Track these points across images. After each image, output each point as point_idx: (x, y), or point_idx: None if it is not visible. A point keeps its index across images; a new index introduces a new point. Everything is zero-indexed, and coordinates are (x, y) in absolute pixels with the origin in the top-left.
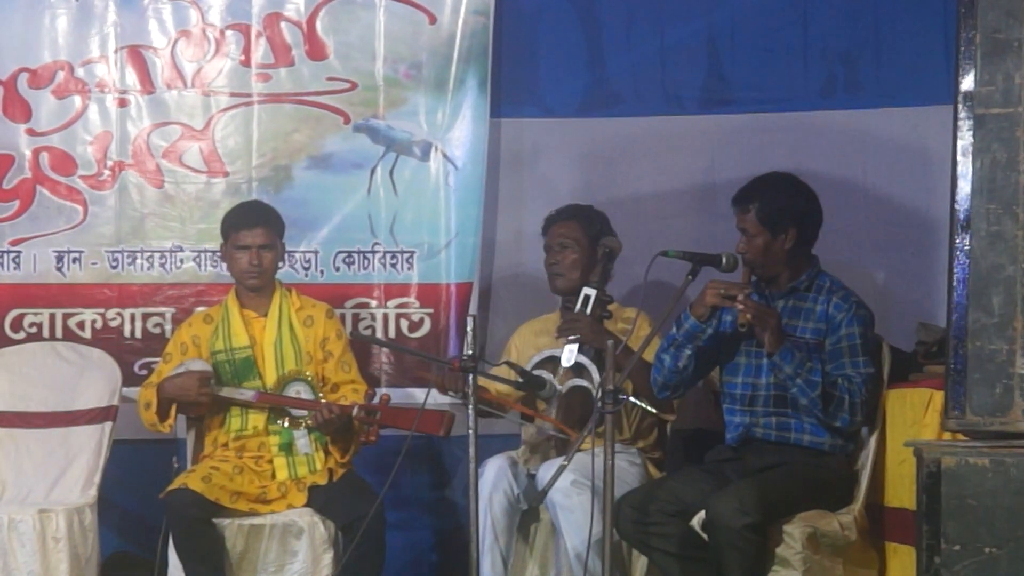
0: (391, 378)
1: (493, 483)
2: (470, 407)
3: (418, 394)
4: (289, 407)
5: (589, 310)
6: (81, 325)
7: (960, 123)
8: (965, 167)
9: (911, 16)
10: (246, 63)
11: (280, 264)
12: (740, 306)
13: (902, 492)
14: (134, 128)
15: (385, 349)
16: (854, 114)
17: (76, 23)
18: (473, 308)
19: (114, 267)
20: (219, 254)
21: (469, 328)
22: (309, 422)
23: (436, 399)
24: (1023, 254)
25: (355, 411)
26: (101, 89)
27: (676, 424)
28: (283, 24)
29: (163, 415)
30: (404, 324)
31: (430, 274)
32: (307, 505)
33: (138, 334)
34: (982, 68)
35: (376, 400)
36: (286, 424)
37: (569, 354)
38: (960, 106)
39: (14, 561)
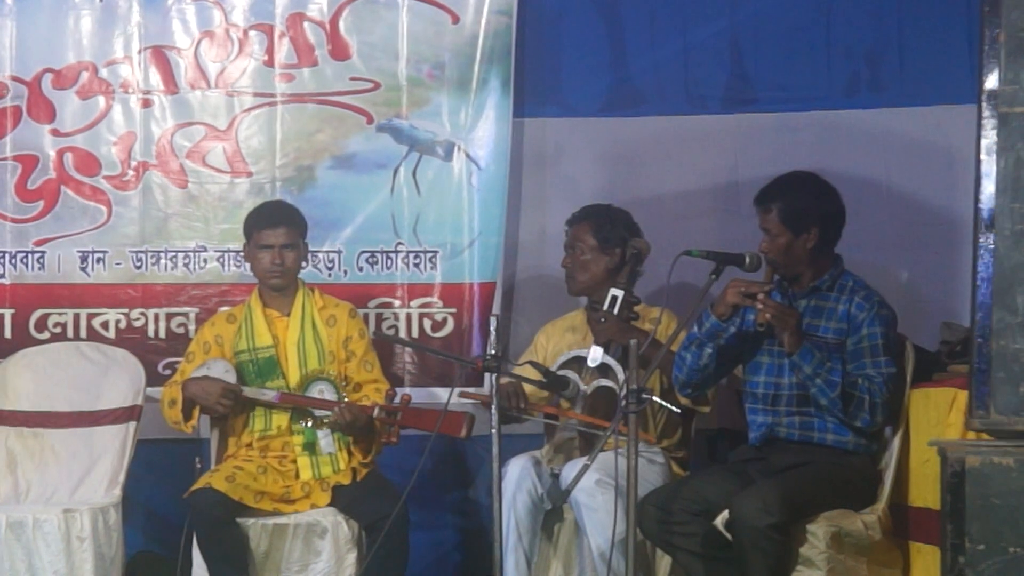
0: (414, 378)
1: (517, 483)
2: (493, 407)
3: (441, 394)
4: (311, 407)
5: (616, 311)
6: (105, 325)
7: (984, 122)
8: (989, 166)
9: (935, 15)
10: (269, 63)
11: (303, 264)
12: (760, 305)
13: (926, 492)
14: (158, 128)
15: (408, 349)
16: (878, 113)
17: (100, 24)
18: (496, 308)
19: (138, 267)
20: (242, 254)
21: (492, 328)
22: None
23: (457, 399)
24: None
25: (375, 412)
26: (125, 90)
27: (700, 423)
28: (306, 24)
29: (187, 415)
30: (427, 324)
31: (453, 274)
32: (331, 505)
33: (162, 334)
34: (1006, 67)
35: (397, 400)
36: (309, 424)
37: (595, 354)
38: (984, 105)
39: (39, 561)
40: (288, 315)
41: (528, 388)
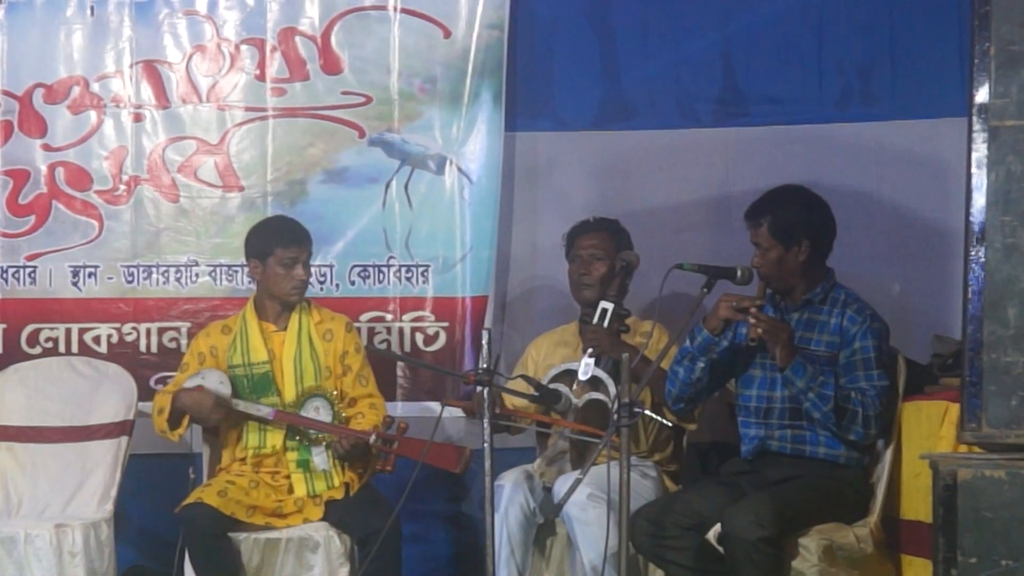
0: (406, 392)
1: (509, 497)
2: (485, 420)
3: (433, 408)
4: (306, 427)
5: (607, 324)
6: (97, 340)
7: (974, 135)
8: (979, 179)
9: (926, 28)
10: (261, 77)
11: None
12: (752, 320)
13: (918, 504)
14: (149, 143)
15: (401, 363)
16: (869, 126)
17: (91, 38)
18: (488, 321)
19: (130, 282)
20: (247, 269)
21: (484, 342)
22: (326, 440)
23: (447, 428)
24: None
25: (372, 439)
26: (116, 104)
27: (692, 437)
28: (298, 38)
29: (175, 423)
30: (419, 338)
31: (445, 288)
32: (323, 519)
33: (154, 349)
34: (996, 80)
35: (394, 428)
36: (304, 441)
37: (586, 367)
38: (974, 118)
39: None
40: (285, 329)
41: (520, 403)
